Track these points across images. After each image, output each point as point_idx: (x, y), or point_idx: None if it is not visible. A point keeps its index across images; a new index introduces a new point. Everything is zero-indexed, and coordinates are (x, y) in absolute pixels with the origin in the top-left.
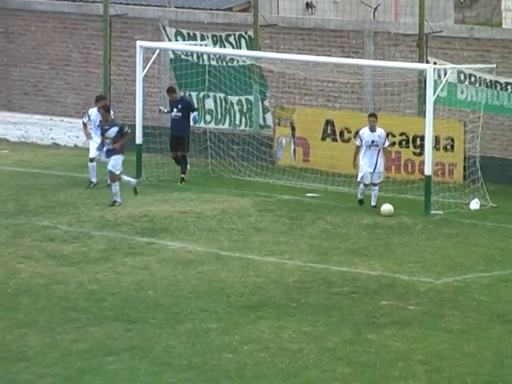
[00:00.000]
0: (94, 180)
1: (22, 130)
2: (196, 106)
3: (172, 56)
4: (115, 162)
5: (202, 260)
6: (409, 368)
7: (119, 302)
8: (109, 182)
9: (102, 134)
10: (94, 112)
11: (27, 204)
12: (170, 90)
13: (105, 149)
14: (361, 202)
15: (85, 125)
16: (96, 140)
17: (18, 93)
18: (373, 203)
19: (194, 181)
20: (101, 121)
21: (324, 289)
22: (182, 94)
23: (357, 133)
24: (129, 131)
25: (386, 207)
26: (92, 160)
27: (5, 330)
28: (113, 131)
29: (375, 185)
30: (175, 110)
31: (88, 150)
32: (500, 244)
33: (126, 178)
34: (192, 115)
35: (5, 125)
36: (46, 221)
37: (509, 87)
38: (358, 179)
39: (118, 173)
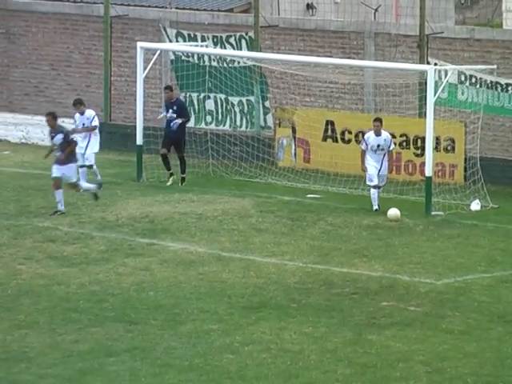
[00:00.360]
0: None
1: (23, 131)
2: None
3: (173, 57)
4: (70, 174)
5: (202, 261)
6: (410, 369)
7: (120, 303)
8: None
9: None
10: (77, 116)
11: (28, 205)
12: (167, 88)
13: (57, 155)
14: (377, 210)
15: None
16: (81, 145)
17: (19, 94)
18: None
19: (195, 182)
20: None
21: (325, 290)
22: (182, 95)
23: (357, 134)
24: (74, 139)
25: (394, 212)
26: (81, 167)
27: (6, 331)
28: (58, 138)
29: (379, 187)
30: (170, 111)
31: None
32: (501, 245)
33: (84, 185)
34: (175, 120)
35: (6, 126)
36: (47, 222)
37: (509, 88)
38: (367, 183)
39: (74, 180)
